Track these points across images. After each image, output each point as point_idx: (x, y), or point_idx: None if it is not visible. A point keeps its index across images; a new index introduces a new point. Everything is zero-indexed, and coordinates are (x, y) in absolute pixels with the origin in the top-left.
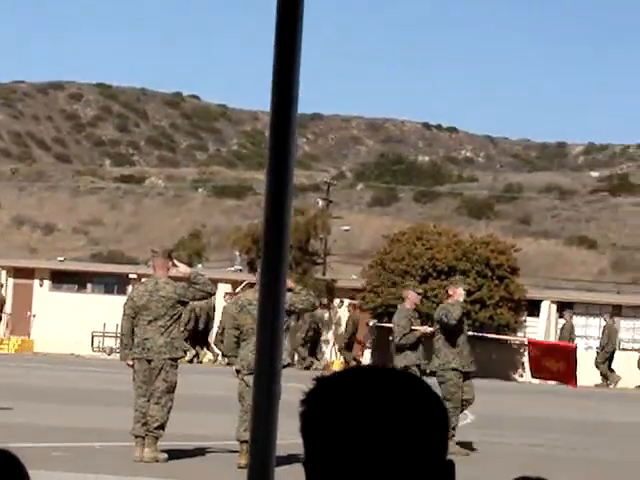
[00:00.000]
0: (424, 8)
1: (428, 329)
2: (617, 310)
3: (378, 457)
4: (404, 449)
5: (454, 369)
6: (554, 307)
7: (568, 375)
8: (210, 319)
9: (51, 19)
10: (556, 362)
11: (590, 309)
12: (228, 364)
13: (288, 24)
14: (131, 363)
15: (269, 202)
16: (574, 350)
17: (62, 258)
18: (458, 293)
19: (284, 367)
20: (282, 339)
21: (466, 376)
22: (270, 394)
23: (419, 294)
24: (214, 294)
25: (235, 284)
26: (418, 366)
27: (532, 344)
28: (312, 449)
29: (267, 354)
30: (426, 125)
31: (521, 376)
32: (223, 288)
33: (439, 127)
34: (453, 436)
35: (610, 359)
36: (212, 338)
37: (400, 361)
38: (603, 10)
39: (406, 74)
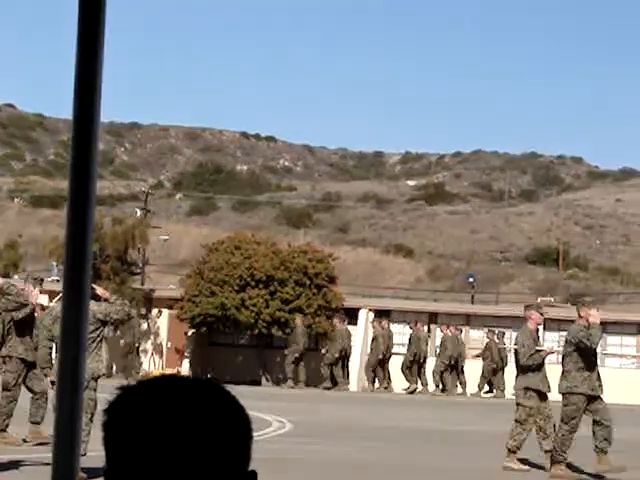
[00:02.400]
0: (245, 14)
1: (552, 349)
2: (434, 317)
3: (175, 467)
4: (202, 459)
5: (580, 393)
6: (372, 315)
7: None
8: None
9: None
10: None
11: (407, 317)
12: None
13: (90, 28)
14: None
15: (71, 212)
16: None
17: None
18: (594, 314)
19: (98, 377)
20: (85, 351)
21: (592, 399)
22: (74, 403)
23: (542, 314)
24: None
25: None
26: (538, 392)
27: None
28: (112, 459)
29: (70, 364)
30: (244, 134)
31: None
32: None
33: (257, 136)
34: (564, 460)
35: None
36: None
37: (522, 382)
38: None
39: (225, 83)
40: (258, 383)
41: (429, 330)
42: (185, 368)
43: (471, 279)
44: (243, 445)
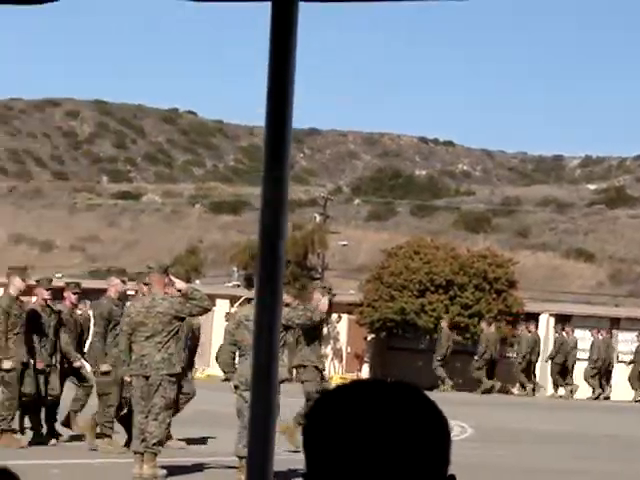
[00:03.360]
0: (423, 22)
1: None
2: (615, 323)
3: (378, 471)
4: (404, 463)
5: None
6: (552, 320)
7: None
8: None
9: (47, 35)
10: None
11: (588, 322)
12: (225, 379)
13: (282, 37)
14: (129, 379)
15: (264, 217)
16: None
17: (60, 275)
18: None
19: (281, 382)
20: (278, 354)
21: None
22: (268, 409)
23: None
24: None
25: (233, 300)
26: None
27: None
28: (313, 463)
29: (264, 370)
30: (423, 139)
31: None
32: (221, 304)
33: (436, 141)
34: None
35: (601, 372)
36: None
37: None
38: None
39: (402, 88)
40: (436, 388)
41: (611, 335)
42: (365, 373)
43: None
44: (442, 448)
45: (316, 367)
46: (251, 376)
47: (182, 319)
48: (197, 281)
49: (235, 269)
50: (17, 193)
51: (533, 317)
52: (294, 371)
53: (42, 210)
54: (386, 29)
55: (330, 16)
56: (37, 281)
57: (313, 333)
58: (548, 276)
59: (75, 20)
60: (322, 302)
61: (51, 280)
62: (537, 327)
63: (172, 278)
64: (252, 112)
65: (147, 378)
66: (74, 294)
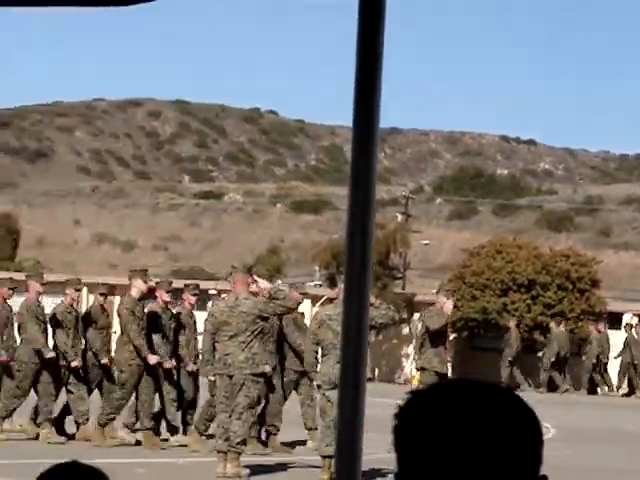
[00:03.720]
0: (497, 22)
1: None
2: None
3: (470, 471)
4: (498, 463)
5: None
6: (635, 319)
7: None
8: None
9: (129, 36)
10: None
11: None
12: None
13: (370, 38)
14: (213, 379)
15: (352, 217)
16: None
17: None
18: None
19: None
20: (366, 353)
21: None
22: (355, 408)
23: None
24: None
25: (315, 299)
26: None
27: None
28: (404, 462)
29: (352, 368)
30: (504, 138)
31: None
32: (303, 303)
33: (517, 140)
34: None
35: None
36: None
37: None
38: None
39: (483, 87)
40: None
41: None
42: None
43: None
44: (535, 449)
45: (436, 372)
46: (339, 376)
47: (266, 319)
48: (279, 281)
49: (317, 268)
50: (100, 193)
51: (616, 317)
52: (376, 370)
53: (124, 210)
54: (468, 29)
55: (413, 14)
56: (157, 283)
57: (438, 337)
58: (631, 275)
59: (157, 21)
60: (446, 304)
61: (171, 282)
62: (620, 327)
63: (256, 278)
64: (333, 111)
65: (231, 377)
66: (193, 295)
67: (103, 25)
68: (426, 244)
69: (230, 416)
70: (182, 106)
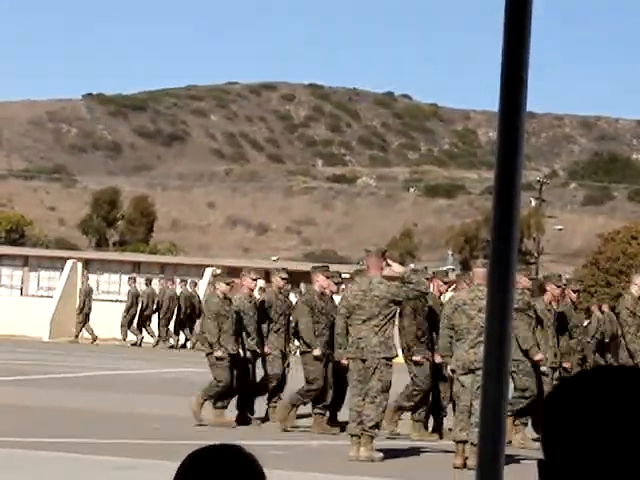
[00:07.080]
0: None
1: None
2: None
3: (621, 460)
4: None
5: None
6: None
7: None
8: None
9: (262, 20)
10: None
11: None
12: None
13: (517, 23)
14: (346, 362)
15: (498, 200)
16: None
17: (275, 258)
18: None
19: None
20: (510, 339)
21: None
22: (500, 393)
23: None
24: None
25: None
26: None
27: None
28: (551, 450)
29: (495, 354)
30: None
31: None
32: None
33: None
34: None
35: None
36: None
37: None
38: None
39: (618, 70)
40: None
41: None
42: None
43: None
44: None
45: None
46: (483, 358)
47: (399, 303)
48: (412, 265)
49: (450, 252)
50: (233, 176)
51: None
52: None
53: (258, 193)
54: (604, 12)
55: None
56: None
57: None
58: None
59: (291, 4)
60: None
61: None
62: None
63: (389, 262)
64: (467, 96)
65: (364, 361)
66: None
67: (236, 9)
68: (560, 229)
69: (363, 399)
70: (316, 90)
